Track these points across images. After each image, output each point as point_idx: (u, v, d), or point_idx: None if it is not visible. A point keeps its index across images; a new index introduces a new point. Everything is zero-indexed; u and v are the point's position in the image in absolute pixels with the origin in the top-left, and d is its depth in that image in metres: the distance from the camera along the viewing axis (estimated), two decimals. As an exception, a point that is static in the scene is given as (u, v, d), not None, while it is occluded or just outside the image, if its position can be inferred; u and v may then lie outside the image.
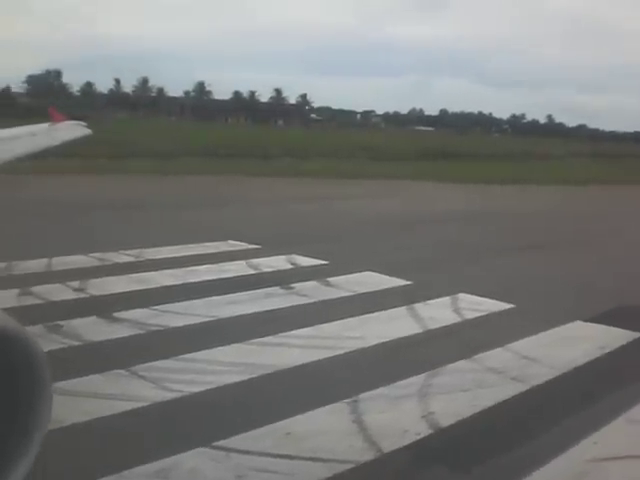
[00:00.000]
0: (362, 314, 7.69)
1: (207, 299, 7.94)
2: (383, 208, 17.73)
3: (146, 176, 23.14)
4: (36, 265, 9.15)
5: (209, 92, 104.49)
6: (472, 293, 8.73)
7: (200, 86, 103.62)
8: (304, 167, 28.75)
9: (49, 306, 7.43)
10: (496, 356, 6.40)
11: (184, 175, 24.01)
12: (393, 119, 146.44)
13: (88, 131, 7.48)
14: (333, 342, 6.59)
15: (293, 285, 8.85)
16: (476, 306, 8.23)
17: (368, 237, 13.15)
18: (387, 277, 9.52)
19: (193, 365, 5.80)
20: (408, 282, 9.31)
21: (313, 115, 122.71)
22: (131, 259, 9.98)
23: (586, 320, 7.78)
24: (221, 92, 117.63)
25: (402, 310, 7.91)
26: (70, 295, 7.88)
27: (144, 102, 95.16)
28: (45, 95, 74.85)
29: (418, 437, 4.59)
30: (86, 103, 76.38)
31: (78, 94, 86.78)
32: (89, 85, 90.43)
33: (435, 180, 26.73)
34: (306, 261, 10.44)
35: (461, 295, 8.65)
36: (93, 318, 6.98)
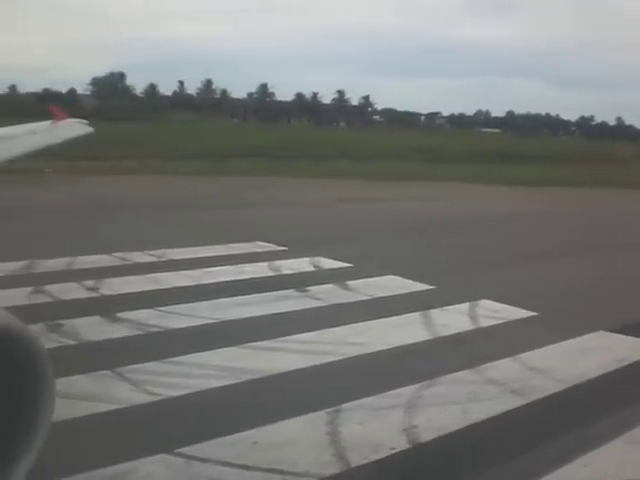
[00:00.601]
0: (374, 319, 7.46)
1: (217, 301, 7.84)
2: (425, 210, 17.33)
3: (198, 177, 23.41)
4: (57, 264, 9.25)
5: (272, 94, 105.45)
6: (498, 299, 8.38)
7: (263, 88, 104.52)
8: (358, 169, 28.57)
9: (58, 305, 7.47)
10: (502, 367, 6.07)
11: (237, 176, 24.15)
12: (458, 121, 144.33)
13: (90, 129, 7.49)
14: (333, 347, 6.39)
15: (309, 288, 8.67)
16: (495, 313, 7.88)
17: (402, 239, 12.85)
18: (410, 281, 9.24)
19: (180, 368, 5.70)
20: (431, 287, 9.01)
21: (376, 117, 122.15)
22: (153, 259, 9.99)
23: (611, 330, 7.35)
24: (284, 94, 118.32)
25: (416, 316, 7.63)
26: (81, 294, 7.90)
27: (207, 104, 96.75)
28: (109, 97, 76.86)
29: (391, 452, 4.34)
30: (149, 105, 78.01)
31: (142, 96, 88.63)
32: (152, 87, 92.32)
33: (490, 183, 26.00)
34: (330, 263, 10.24)
35: (483, 301, 8.31)
36: (96, 318, 6.97)
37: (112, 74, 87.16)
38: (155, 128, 47.81)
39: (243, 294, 8.18)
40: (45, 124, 6.67)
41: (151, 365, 5.70)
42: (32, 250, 9.95)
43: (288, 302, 7.99)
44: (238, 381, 5.46)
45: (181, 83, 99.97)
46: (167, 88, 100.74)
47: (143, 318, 7.00)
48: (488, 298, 8.43)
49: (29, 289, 7.85)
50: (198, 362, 5.83)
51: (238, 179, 23.45)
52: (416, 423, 4.77)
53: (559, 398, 5.42)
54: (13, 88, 75.83)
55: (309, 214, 15.96)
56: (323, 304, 8.03)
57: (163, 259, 10.01)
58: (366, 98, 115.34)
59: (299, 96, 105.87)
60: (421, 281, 9.21)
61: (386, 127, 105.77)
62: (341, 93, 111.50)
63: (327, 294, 8.45)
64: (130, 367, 5.60)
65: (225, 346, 6.26)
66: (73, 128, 7.11)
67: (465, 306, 8.11)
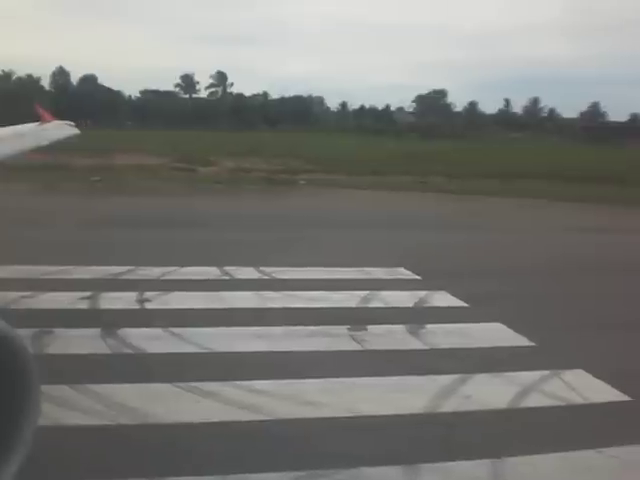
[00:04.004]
0: (392, 375, 6.01)
1: (244, 329, 7.08)
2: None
3: (463, 196, 22.23)
4: (152, 272, 9.24)
5: (604, 113, 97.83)
6: (606, 372, 6.22)
7: (594, 107, 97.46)
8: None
9: (89, 312, 7.42)
10: (463, 470, 4.34)
11: (509, 197, 22.16)
12: None
13: (76, 131, 7.28)
14: (274, 404, 5.18)
15: (372, 327, 7.38)
16: (572, 392, 5.79)
17: (572, 281, 10.32)
18: (512, 333, 7.41)
19: (79, 398, 5.11)
20: (531, 343, 7.10)
21: None
22: (256, 276, 9.46)
23: None
24: (619, 114, 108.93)
25: (453, 378, 5.92)
26: (126, 305, 7.74)
27: (533, 122, 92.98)
28: (428, 114, 78.28)
29: None
30: (469, 122, 77.63)
31: (462, 113, 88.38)
32: (472, 105, 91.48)
33: None
34: (445, 301, 8.68)
35: (575, 372, 6.24)
36: (95, 330, 6.70)
37: (434, 92, 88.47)
38: (466, 146, 47.05)
39: (287, 324, 7.28)
40: (32, 126, 6.63)
41: (58, 389, 5.17)
42: (161, 256, 10.18)
43: (321, 340, 6.87)
44: (111, 423, 4.69)
45: (507, 101, 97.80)
46: (494, 106, 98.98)
47: (136, 337, 6.55)
48: (595, 368, 6.32)
49: (88, 294, 7.93)
50: (108, 394, 5.17)
51: (500, 200, 21.66)
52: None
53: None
54: (344, 105, 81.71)
55: (508, 243, 13.73)
56: (358, 348, 6.75)
57: (266, 277, 9.44)
58: None
59: (634, 116, 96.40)
60: (527, 335, 7.31)
61: None
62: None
63: (381, 337, 7.11)
64: (34, 389, 5.15)
65: (163, 382, 5.49)
66: (60, 130, 6.98)
67: (541, 374, 6.15)
